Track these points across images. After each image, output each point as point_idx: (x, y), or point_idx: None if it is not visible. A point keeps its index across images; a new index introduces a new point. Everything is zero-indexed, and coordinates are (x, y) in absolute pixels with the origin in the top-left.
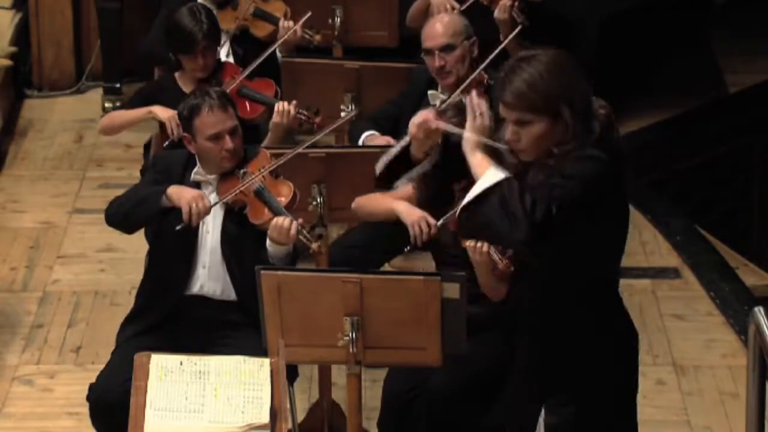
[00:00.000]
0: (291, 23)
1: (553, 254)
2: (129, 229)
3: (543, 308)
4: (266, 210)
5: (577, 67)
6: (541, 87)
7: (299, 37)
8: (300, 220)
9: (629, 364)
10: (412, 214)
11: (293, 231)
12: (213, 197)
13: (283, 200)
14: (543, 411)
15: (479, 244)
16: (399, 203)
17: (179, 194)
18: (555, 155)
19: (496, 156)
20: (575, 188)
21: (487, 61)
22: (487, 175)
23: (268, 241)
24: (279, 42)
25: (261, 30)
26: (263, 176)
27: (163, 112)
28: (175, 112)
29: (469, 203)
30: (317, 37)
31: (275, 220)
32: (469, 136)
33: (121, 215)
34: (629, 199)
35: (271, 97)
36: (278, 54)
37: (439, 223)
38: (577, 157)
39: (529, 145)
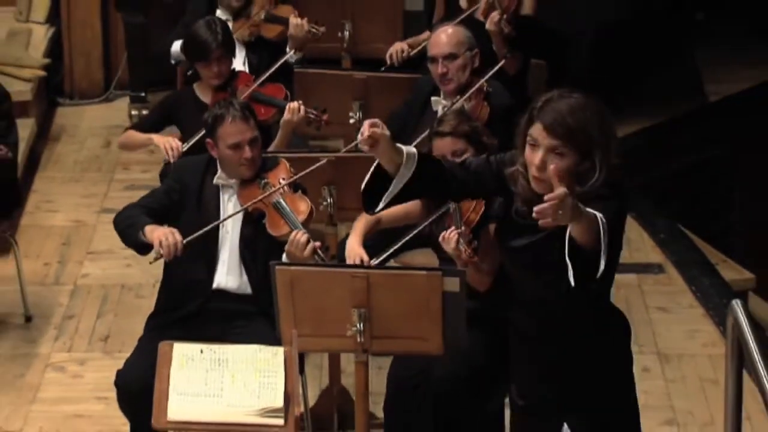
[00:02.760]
0: (299, 20)
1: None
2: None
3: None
4: (285, 224)
5: (611, 116)
6: (581, 120)
7: (306, 31)
8: (318, 243)
9: (628, 359)
10: (352, 250)
11: (309, 249)
12: (234, 200)
13: (301, 216)
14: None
15: (450, 234)
16: (353, 236)
17: (152, 231)
18: (577, 194)
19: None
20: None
21: (490, 73)
22: None
23: (284, 255)
24: (287, 55)
25: (271, 31)
26: (283, 188)
27: (159, 140)
28: (170, 137)
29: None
30: (322, 29)
31: (293, 234)
32: None
33: (118, 232)
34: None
35: (281, 100)
36: (289, 52)
37: (374, 263)
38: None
39: (550, 177)
